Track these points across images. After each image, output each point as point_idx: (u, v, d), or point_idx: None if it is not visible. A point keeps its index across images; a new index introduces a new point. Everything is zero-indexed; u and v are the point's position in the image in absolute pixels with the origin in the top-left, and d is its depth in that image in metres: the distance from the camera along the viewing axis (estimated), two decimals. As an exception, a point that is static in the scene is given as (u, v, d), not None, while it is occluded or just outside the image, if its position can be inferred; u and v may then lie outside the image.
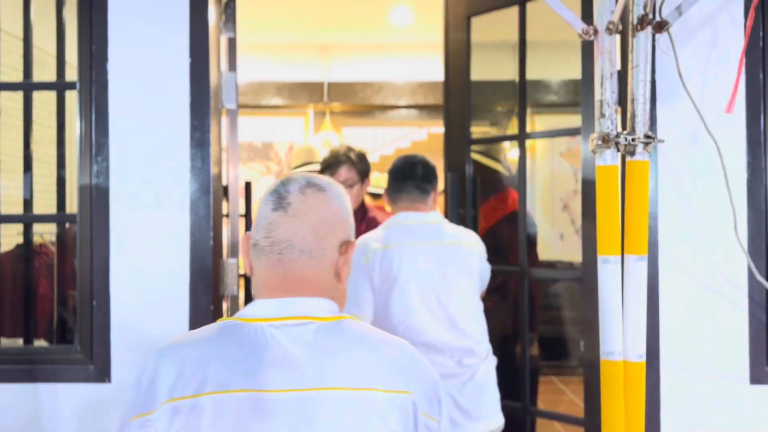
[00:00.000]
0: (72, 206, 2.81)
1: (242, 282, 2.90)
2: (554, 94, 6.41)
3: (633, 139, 1.71)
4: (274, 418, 1.07)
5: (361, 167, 3.14)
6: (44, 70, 3.20)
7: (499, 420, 2.49)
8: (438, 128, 7.89)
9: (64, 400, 2.55)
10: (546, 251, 6.19)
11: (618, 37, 1.77)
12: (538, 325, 3.89)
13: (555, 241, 6.53)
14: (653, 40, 1.79)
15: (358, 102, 6.44)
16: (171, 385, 1.09)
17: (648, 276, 2.34)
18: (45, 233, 3.44)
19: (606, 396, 1.72)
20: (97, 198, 2.54)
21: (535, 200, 6.43)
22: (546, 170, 6.65)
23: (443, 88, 3.37)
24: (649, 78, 1.74)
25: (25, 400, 2.56)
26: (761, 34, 2.48)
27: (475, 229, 3.05)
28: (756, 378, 2.48)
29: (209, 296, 2.53)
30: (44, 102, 3.21)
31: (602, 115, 1.72)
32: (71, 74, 2.69)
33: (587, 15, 2.46)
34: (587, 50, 2.69)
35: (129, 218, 2.54)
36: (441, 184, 2.89)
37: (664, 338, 2.47)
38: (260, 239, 1.20)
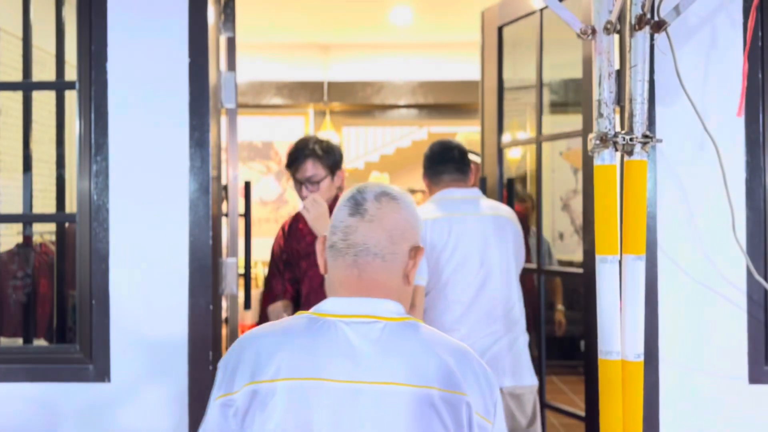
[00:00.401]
0: (71, 206, 2.82)
1: (241, 281, 2.90)
2: (554, 94, 6.41)
3: (631, 139, 1.72)
4: (336, 405, 1.17)
5: (329, 161, 2.84)
6: (44, 70, 3.20)
7: (535, 381, 2.87)
8: (438, 128, 7.90)
9: (63, 399, 2.55)
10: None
11: (616, 36, 1.77)
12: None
13: (554, 240, 6.53)
14: (651, 39, 1.79)
15: (358, 101, 6.44)
16: (251, 370, 1.21)
17: (647, 276, 2.35)
18: (45, 233, 3.45)
19: (604, 395, 1.73)
20: (96, 197, 2.55)
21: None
22: (546, 170, 6.66)
23: (480, 94, 3.52)
24: (647, 78, 1.74)
25: (25, 399, 2.56)
26: (760, 34, 2.48)
27: None
28: (755, 377, 2.48)
29: (208, 295, 2.53)
30: (44, 101, 3.22)
31: (600, 115, 1.72)
32: (71, 74, 2.70)
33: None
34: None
35: (128, 218, 2.55)
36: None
37: (663, 338, 2.47)
38: (337, 241, 1.31)
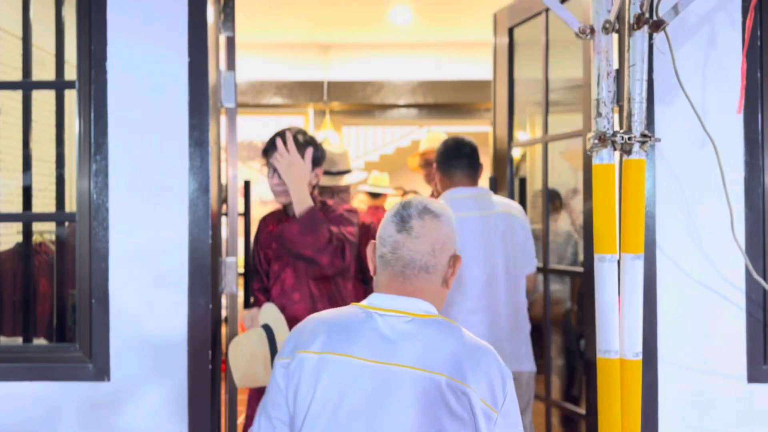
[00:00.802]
0: (71, 205, 2.82)
1: (241, 280, 2.90)
2: (561, 94, 6.41)
3: (629, 138, 1.72)
4: (359, 378, 1.46)
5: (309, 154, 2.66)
6: (43, 69, 3.20)
7: (533, 368, 2.95)
8: (437, 127, 7.89)
9: (63, 398, 2.56)
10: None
11: (615, 36, 1.77)
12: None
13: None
14: (650, 39, 1.80)
15: (357, 101, 6.44)
16: (304, 342, 1.54)
17: (646, 275, 2.35)
18: (44, 232, 3.45)
19: (603, 394, 1.73)
20: (96, 197, 2.55)
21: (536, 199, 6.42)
22: (550, 170, 6.65)
23: (492, 94, 3.57)
24: (645, 77, 1.74)
25: (25, 398, 2.56)
26: (759, 33, 2.48)
27: None
28: (753, 377, 2.48)
29: (208, 295, 2.53)
30: (43, 101, 3.22)
31: (599, 114, 1.73)
32: (70, 73, 2.70)
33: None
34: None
35: (128, 217, 2.55)
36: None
37: (662, 337, 2.48)
38: (387, 253, 1.56)
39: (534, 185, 3.88)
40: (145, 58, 2.55)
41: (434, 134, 4.01)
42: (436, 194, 3.37)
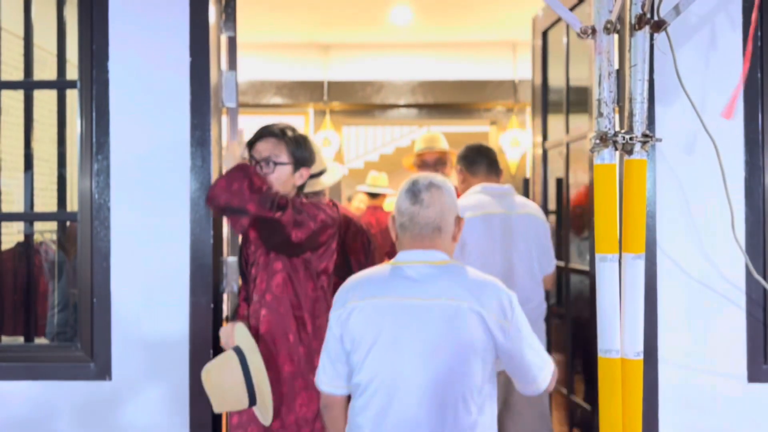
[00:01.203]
0: (72, 205, 2.82)
1: (240, 280, 2.90)
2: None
3: (631, 138, 1.72)
4: (401, 312, 1.86)
5: (296, 151, 2.47)
6: (44, 69, 3.20)
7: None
8: (437, 127, 7.89)
9: (64, 398, 2.56)
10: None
11: (615, 36, 1.77)
12: None
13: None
14: (651, 39, 1.80)
15: (358, 101, 6.44)
16: (352, 295, 1.92)
17: (646, 274, 2.36)
18: (45, 231, 3.45)
19: (604, 393, 1.73)
20: (97, 196, 2.55)
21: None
22: (557, 171, 6.65)
23: (531, 95, 3.66)
24: (647, 77, 1.74)
25: (26, 397, 2.57)
26: (759, 34, 2.48)
27: None
28: (754, 376, 2.49)
29: (209, 294, 2.53)
30: (45, 101, 3.22)
31: (600, 114, 1.73)
32: (72, 73, 2.70)
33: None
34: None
35: (129, 216, 2.55)
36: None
37: (663, 336, 2.48)
38: (405, 221, 1.94)
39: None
40: (146, 57, 2.55)
41: (430, 135, 4.00)
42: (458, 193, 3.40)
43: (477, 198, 2.99)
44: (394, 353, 1.84)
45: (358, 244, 2.89)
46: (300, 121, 6.62)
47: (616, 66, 1.85)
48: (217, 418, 2.63)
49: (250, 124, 6.42)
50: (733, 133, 2.49)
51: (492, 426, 1.88)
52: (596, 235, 1.75)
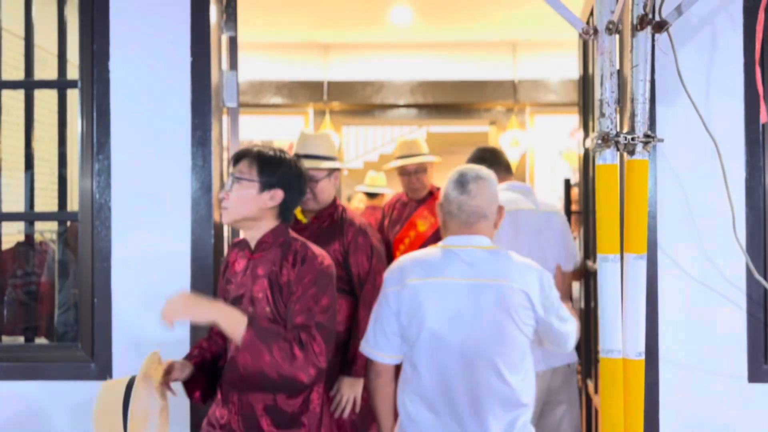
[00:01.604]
0: (73, 204, 2.82)
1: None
2: (554, 93, 6.41)
3: (633, 138, 1.72)
4: (456, 292, 2.07)
5: (266, 173, 2.13)
6: (45, 69, 3.20)
7: (568, 359, 3.01)
8: (437, 127, 7.89)
9: (65, 398, 2.56)
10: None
11: (616, 36, 1.77)
12: None
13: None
14: (653, 39, 1.80)
15: (357, 101, 6.44)
16: (408, 274, 2.11)
17: (647, 274, 2.35)
18: (45, 231, 3.45)
19: (605, 393, 1.73)
20: (98, 196, 2.55)
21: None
22: (545, 169, 6.66)
23: (577, 90, 3.60)
24: (648, 78, 1.75)
25: (27, 397, 2.56)
26: (761, 35, 2.48)
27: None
28: (754, 376, 2.49)
29: (209, 294, 2.53)
30: (45, 100, 3.22)
31: (602, 115, 1.73)
32: (72, 73, 2.70)
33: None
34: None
35: (130, 216, 2.55)
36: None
37: (663, 336, 2.48)
38: (453, 209, 2.15)
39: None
40: (147, 57, 2.55)
41: (407, 142, 3.76)
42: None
43: (507, 194, 3.05)
44: (450, 328, 2.05)
45: (362, 256, 2.82)
46: (299, 122, 6.62)
47: (617, 66, 1.85)
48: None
49: (249, 124, 6.43)
50: (734, 134, 2.49)
51: (533, 395, 2.11)
52: (598, 235, 1.75)
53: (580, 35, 1.77)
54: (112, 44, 2.55)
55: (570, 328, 2.13)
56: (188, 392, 2.15)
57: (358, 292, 2.80)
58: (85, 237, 2.57)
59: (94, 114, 2.56)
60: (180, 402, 2.52)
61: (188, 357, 2.19)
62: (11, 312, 3.17)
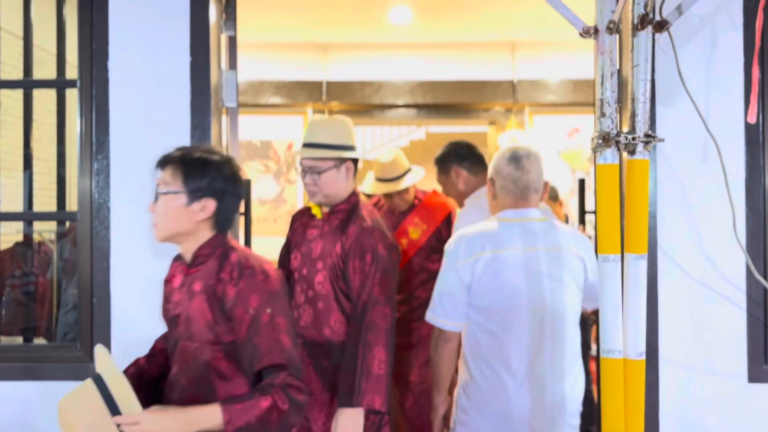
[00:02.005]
0: (71, 204, 2.81)
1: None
2: (553, 93, 6.41)
3: (633, 138, 1.72)
4: (523, 260, 2.27)
5: (192, 178, 1.87)
6: (43, 69, 3.20)
7: None
8: (436, 127, 7.88)
9: (64, 397, 2.55)
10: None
11: (616, 36, 1.77)
12: None
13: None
14: (653, 39, 1.80)
15: (356, 101, 6.43)
16: (476, 248, 2.29)
17: (647, 275, 2.35)
18: (44, 231, 3.44)
19: (606, 393, 1.73)
20: (97, 196, 2.55)
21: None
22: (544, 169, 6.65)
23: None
24: (649, 77, 1.74)
25: (25, 398, 2.56)
26: (760, 34, 2.48)
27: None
28: (754, 376, 2.49)
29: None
30: (44, 100, 3.21)
31: (602, 114, 1.72)
32: (71, 73, 2.70)
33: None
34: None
35: (129, 216, 2.55)
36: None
37: (663, 336, 2.48)
38: (508, 184, 2.35)
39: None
40: (146, 57, 2.54)
41: (383, 164, 3.63)
42: (456, 196, 3.34)
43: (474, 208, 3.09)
44: (522, 295, 2.24)
45: (358, 263, 2.44)
46: (299, 122, 6.62)
47: (617, 66, 1.84)
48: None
49: (248, 124, 6.42)
50: (733, 134, 2.49)
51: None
52: (599, 235, 1.74)
53: (581, 35, 1.76)
54: (111, 44, 2.55)
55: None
56: None
57: (354, 309, 2.41)
58: (84, 237, 2.56)
59: (93, 114, 2.55)
60: (179, 402, 2.51)
61: (125, 372, 1.96)
62: (10, 312, 3.16)
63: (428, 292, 3.49)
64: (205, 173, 1.87)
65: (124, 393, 1.77)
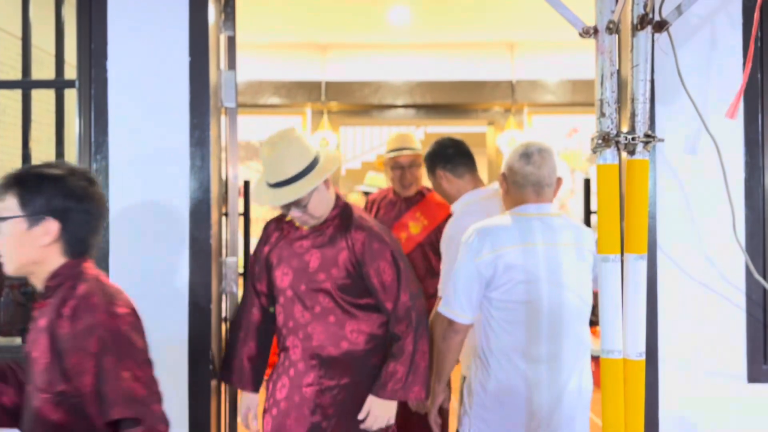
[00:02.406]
0: (71, 205, 2.80)
1: (241, 281, 2.89)
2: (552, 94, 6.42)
3: (633, 138, 1.72)
4: (544, 254, 2.33)
5: (30, 195, 1.65)
6: (42, 69, 3.19)
7: None
8: (435, 127, 7.89)
9: (63, 398, 2.54)
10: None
11: (616, 36, 1.77)
12: None
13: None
14: (653, 39, 1.80)
15: (355, 101, 6.44)
16: (497, 242, 2.32)
17: (647, 275, 2.36)
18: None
19: (606, 393, 1.73)
20: (96, 196, 2.54)
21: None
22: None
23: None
24: (649, 77, 1.74)
25: (24, 398, 2.55)
26: (759, 34, 2.48)
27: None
28: (753, 376, 2.49)
29: (208, 295, 2.52)
30: (42, 100, 3.21)
31: (602, 114, 1.72)
32: (70, 73, 2.69)
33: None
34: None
35: (128, 217, 2.54)
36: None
37: (663, 337, 2.48)
38: (520, 179, 2.39)
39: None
40: (145, 57, 2.54)
41: (401, 134, 3.69)
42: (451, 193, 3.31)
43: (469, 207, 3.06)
44: (542, 288, 2.30)
45: (383, 263, 2.41)
46: (297, 122, 6.62)
47: (617, 66, 1.84)
48: (216, 420, 2.61)
49: (247, 124, 6.42)
50: (733, 134, 2.49)
51: None
52: (599, 235, 1.75)
53: (580, 35, 1.76)
54: (110, 44, 2.54)
55: None
56: None
57: (382, 304, 2.41)
58: (82, 237, 2.55)
59: (92, 114, 2.55)
60: (179, 401, 2.51)
61: None
62: (8, 313, 3.15)
63: (424, 288, 3.51)
64: (40, 191, 1.61)
65: None
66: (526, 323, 2.32)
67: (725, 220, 2.37)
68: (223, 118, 2.76)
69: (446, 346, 2.40)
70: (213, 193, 2.55)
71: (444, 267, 2.77)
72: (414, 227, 3.55)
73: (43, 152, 3.19)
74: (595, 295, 2.35)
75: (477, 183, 2.99)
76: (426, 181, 3.74)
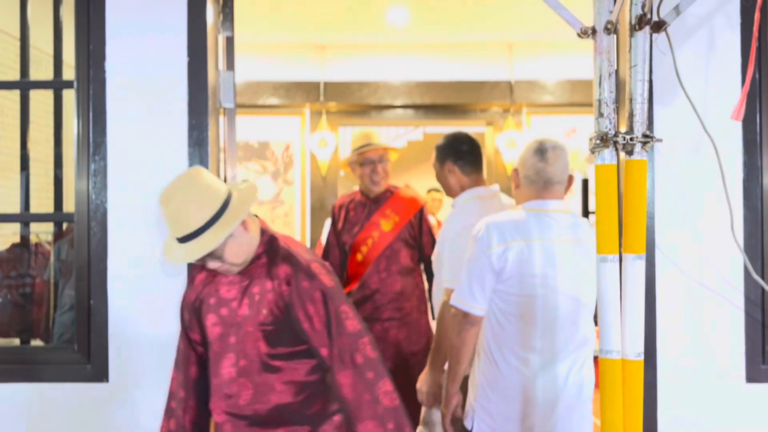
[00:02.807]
0: (68, 206, 2.80)
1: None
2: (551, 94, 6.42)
3: (631, 139, 1.72)
4: (551, 249, 2.38)
5: None
6: (40, 69, 3.19)
7: None
8: (434, 128, 7.89)
9: (61, 399, 2.54)
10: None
11: (614, 36, 1.77)
12: None
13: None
14: (651, 39, 1.80)
15: (354, 102, 6.43)
16: (507, 236, 2.38)
17: (645, 275, 2.36)
18: (41, 233, 3.43)
19: (604, 394, 1.73)
20: (94, 197, 2.54)
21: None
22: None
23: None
24: (647, 78, 1.74)
25: (23, 399, 2.55)
26: (758, 35, 2.48)
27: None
28: (752, 377, 2.49)
29: (207, 295, 2.52)
30: (40, 101, 3.21)
31: (600, 115, 1.72)
32: (68, 74, 2.69)
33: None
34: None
35: (127, 218, 2.54)
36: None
37: (661, 337, 2.48)
38: (532, 174, 2.45)
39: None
40: (144, 57, 2.54)
41: (365, 132, 3.68)
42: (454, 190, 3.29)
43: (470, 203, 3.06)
44: (552, 284, 2.35)
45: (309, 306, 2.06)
46: (296, 122, 6.61)
47: (615, 66, 1.84)
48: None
49: (246, 124, 6.42)
50: (731, 134, 2.49)
51: None
52: (597, 235, 1.74)
53: (578, 35, 1.76)
54: (108, 44, 2.54)
55: None
56: None
57: (316, 351, 2.01)
58: (81, 238, 2.56)
59: (90, 114, 2.54)
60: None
61: None
62: (6, 314, 3.15)
63: (397, 285, 3.50)
64: None
65: None
66: (532, 317, 2.37)
67: (723, 220, 2.37)
68: (221, 118, 2.76)
69: (461, 340, 2.43)
70: (211, 193, 2.55)
71: (450, 260, 2.81)
72: (386, 224, 3.56)
73: (41, 153, 3.19)
74: None
75: (480, 183, 3.05)
76: (393, 179, 3.75)
